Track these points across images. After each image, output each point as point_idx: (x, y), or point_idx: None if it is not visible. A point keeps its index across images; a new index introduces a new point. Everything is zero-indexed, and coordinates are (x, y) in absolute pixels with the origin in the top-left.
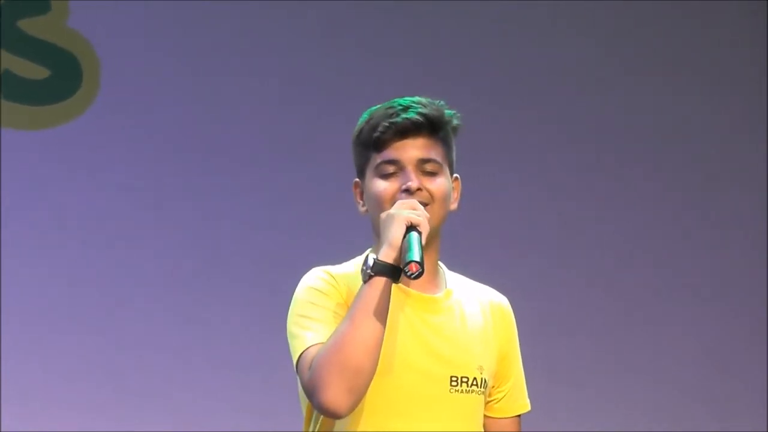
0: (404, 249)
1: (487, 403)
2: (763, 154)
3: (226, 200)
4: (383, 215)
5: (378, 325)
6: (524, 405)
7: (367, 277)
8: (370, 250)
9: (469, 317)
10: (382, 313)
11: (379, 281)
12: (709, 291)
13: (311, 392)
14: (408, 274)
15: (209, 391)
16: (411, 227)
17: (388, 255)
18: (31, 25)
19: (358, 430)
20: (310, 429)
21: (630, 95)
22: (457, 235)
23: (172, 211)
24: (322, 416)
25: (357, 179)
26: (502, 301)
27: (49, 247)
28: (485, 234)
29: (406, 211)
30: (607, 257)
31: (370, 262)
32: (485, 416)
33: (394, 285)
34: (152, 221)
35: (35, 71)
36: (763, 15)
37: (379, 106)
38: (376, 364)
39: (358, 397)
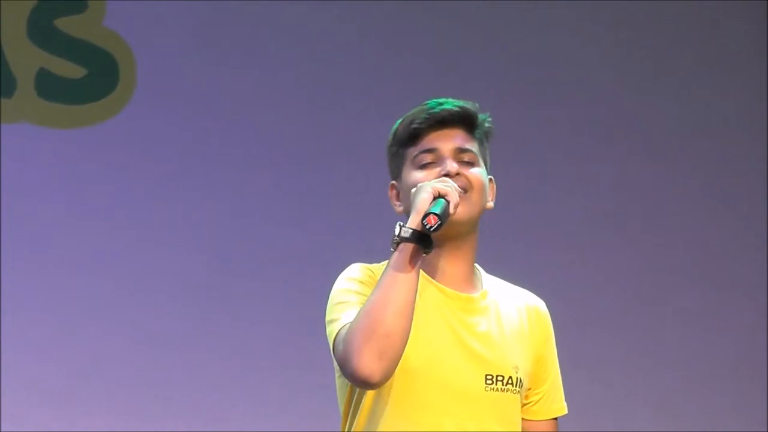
0: (428, 208)
1: (523, 405)
2: (763, 152)
3: (261, 199)
4: (413, 189)
5: (406, 289)
6: (561, 408)
7: (395, 245)
8: None
9: (505, 318)
10: (411, 277)
11: (407, 247)
12: (709, 289)
13: (343, 364)
14: (427, 227)
15: (224, 390)
16: (439, 196)
17: (415, 221)
18: (67, 24)
19: (394, 427)
20: (347, 428)
21: (646, 93)
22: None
23: (206, 209)
24: (358, 414)
25: (393, 181)
26: (538, 303)
27: (82, 245)
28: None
29: (435, 182)
30: (616, 257)
31: (397, 230)
32: (522, 419)
33: (431, 285)
34: (185, 219)
35: (71, 70)
36: (763, 14)
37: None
38: (408, 329)
39: (390, 363)
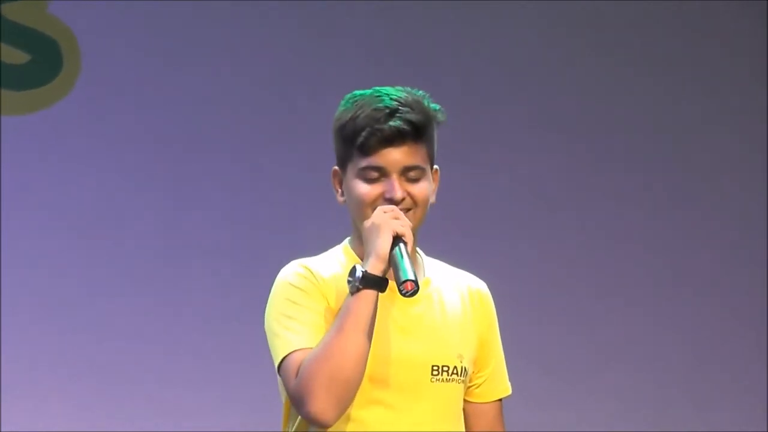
0: (395, 267)
1: (468, 388)
2: (764, 150)
3: (207, 188)
4: (367, 223)
5: (367, 337)
6: (506, 389)
7: (355, 289)
8: (347, 240)
9: (448, 305)
10: (370, 325)
11: (368, 294)
12: (708, 287)
13: (299, 402)
14: (404, 293)
15: (224, 390)
16: (397, 237)
17: (376, 267)
18: (11, 11)
19: (338, 426)
20: (289, 425)
21: (626, 91)
22: (445, 227)
23: (153, 197)
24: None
25: (336, 167)
26: (480, 286)
27: (31, 236)
28: (474, 225)
29: (391, 222)
30: (602, 251)
31: (359, 273)
32: (467, 401)
33: None
34: (133, 207)
35: (15, 56)
36: (763, 11)
37: (363, 94)
38: (363, 373)
39: (345, 407)
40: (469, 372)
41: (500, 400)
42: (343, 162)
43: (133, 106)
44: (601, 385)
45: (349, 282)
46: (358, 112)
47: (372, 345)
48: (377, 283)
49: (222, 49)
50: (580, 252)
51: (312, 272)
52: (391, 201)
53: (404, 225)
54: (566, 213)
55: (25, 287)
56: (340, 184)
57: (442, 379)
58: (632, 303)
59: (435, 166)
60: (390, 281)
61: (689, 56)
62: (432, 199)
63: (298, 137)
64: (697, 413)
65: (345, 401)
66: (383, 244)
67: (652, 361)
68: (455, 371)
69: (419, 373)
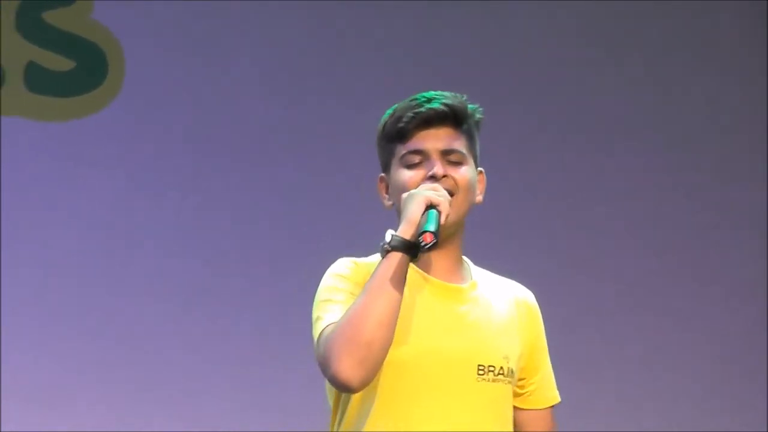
0: (421, 223)
1: (519, 396)
2: (764, 148)
3: (248, 196)
4: (404, 195)
5: (392, 298)
6: (555, 397)
7: (384, 252)
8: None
9: (494, 308)
10: (396, 287)
11: (396, 256)
12: (709, 287)
13: (324, 365)
14: (422, 244)
15: (225, 389)
16: (431, 206)
17: (405, 231)
18: (55, 17)
19: (385, 418)
20: (336, 425)
21: (637, 90)
22: (480, 230)
23: (198, 203)
24: (347, 410)
25: (382, 174)
26: (527, 296)
27: (67, 240)
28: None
29: (427, 191)
30: (610, 252)
31: (388, 237)
32: (519, 409)
33: (419, 275)
34: (176, 212)
35: (60, 63)
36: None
37: (402, 102)
38: (391, 338)
39: (370, 370)
40: (516, 374)
41: (552, 407)
42: (387, 163)
43: (177, 112)
44: (602, 384)
45: (380, 247)
46: (397, 109)
47: (417, 342)
48: (405, 246)
49: (268, 53)
50: (581, 251)
51: (357, 265)
52: (433, 178)
53: (441, 196)
54: (571, 212)
55: (21, 284)
56: (386, 189)
57: (489, 378)
58: (633, 302)
59: (480, 168)
60: (431, 278)
61: (688, 56)
62: (479, 198)
63: (346, 144)
64: (698, 413)
65: (368, 363)
66: (415, 210)
67: (651, 361)
68: (501, 371)
69: (465, 371)
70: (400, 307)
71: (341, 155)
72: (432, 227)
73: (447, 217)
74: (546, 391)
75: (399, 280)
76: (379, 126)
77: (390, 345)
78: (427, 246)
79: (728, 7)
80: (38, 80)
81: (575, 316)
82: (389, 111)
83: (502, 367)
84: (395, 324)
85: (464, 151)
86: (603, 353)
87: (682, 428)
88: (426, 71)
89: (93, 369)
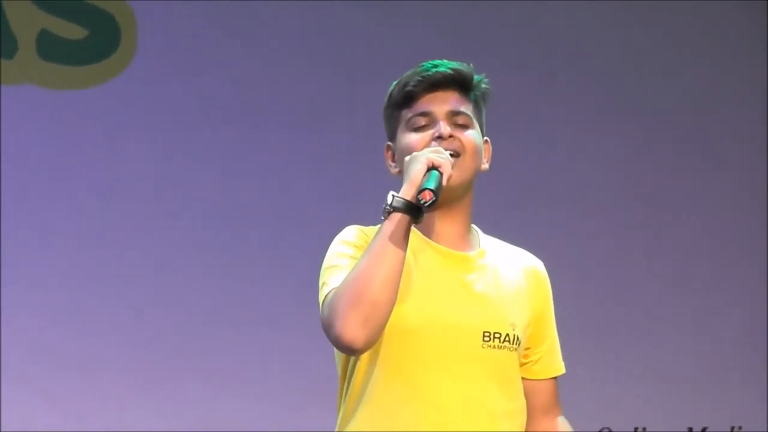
0: (422, 182)
1: (524, 365)
2: (764, 146)
3: (262, 168)
4: (407, 158)
5: (394, 258)
6: (560, 367)
7: (386, 214)
8: None
9: (502, 276)
10: (399, 247)
11: (398, 217)
12: (710, 286)
13: (327, 328)
14: (421, 202)
15: (226, 389)
16: (432, 167)
17: (407, 192)
18: None
19: (391, 386)
20: (344, 390)
21: (645, 91)
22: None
23: (209, 172)
24: (354, 376)
25: (389, 142)
26: (537, 264)
27: (79, 210)
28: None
29: (430, 153)
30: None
31: (390, 199)
32: (523, 379)
33: (426, 243)
34: (189, 182)
35: (73, 31)
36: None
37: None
38: (394, 298)
39: (374, 330)
40: (523, 342)
41: (555, 378)
42: (394, 131)
43: (190, 81)
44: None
45: (383, 209)
46: (404, 77)
47: (423, 310)
48: (407, 207)
49: (279, 23)
50: (580, 250)
51: (364, 232)
52: (440, 138)
53: (443, 158)
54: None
55: (27, 258)
56: (393, 157)
57: (494, 345)
58: (633, 301)
59: (486, 138)
60: (438, 245)
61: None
62: (485, 166)
63: (359, 108)
64: (697, 412)
65: (372, 323)
66: (416, 171)
67: (649, 361)
68: (507, 338)
69: (470, 338)
70: (403, 267)
71: (359, 124)
72: (432, 185)
73: (449, 178)
74: (551, 362)
75: (401, 241)
76: (387, 95)
77: (393, 305)
78: (427, 204)
79: (728, 7)
80: (51, 48)
81: (569, 318)
82: (394, 82)
83: (507, 335)
84: (398, 283)
85: (471, 114)
86: (599, 352)
87: (682, 427)
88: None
89: (94, 369)
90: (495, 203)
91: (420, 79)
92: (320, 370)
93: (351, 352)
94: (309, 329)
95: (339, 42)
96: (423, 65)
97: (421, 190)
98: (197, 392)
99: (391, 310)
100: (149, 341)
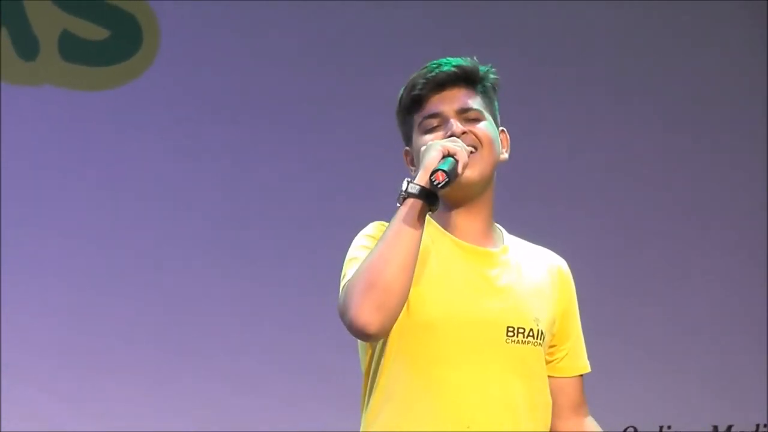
0: (436, 166)
1: (548, 363)
2: (764, 146)
3: (283, 165)
4: (423, 147)
5: (409, 244)
6: (585, 366)
7: (401, 200)
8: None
9: (525, 273)
10: (414, 233)
11: (413, 203)
12: (738, 284)
13: (342, 313)
14: (434, 183)
15: (227, 388)
16: (448, 155)
17: (421, 178)
18: None
19: (415, 382)
20: (368, 385)
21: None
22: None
23: (226, 176)
24: (379, 371)
25: (406, 147)
26: (561, 263)
27: (100, 209)
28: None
29: (446, 141)
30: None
31: (404, 186)
32: (549, 377)
33: (449, 239)
34: (207, 183)
35: (95, 32)
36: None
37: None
38: (409, 284)
39: (387, 316)
40: (547, 338)
41: (581, 376)
42: (409, 136)
43: (212, 82)
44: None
45: (398, 195)
46: (410, 81)
47: (447, 305)
48: (421, 193)
49: (303, 23)
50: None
51: (385, 226)
52: (453, 136)
53: (458, 146)
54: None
55: (33, 251)
56: (412, 161)
57: (518, 340)
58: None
59: (502, 128)
60: (462, 242)
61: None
62: (504, 156)
63: (383, 110)
64: (697, 411)
65: (387, 309)
66: (432, 158)
67: (650, 355)
68: (531, 333)
69: (494, 333)
70: (417, 252)
71: (384, 124)
72: (445, 167)
73: (465, 166)
74: (577, 359)
75: (416, 226)
76: (397, 101)
77: (408, 290)
78: (440, 185)
79: (728, 7)
80: (72, 49)
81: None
82: (403, 86)
83: (531, 329)
84: (413, 268)
85: (481, 108)
86: (604, 351)
87: (683, 427)
88: (464, 41)
89: (95, 368)
90: (510, 201)
91: (425, 81)
92: (324, 368)
93: (366, 337)
94: (312, 327)
95: (366, 42)
96: (427, 66)
97: (433, 172)
98: (199, 391)
99: (407, 295)
100: (151, 339)
